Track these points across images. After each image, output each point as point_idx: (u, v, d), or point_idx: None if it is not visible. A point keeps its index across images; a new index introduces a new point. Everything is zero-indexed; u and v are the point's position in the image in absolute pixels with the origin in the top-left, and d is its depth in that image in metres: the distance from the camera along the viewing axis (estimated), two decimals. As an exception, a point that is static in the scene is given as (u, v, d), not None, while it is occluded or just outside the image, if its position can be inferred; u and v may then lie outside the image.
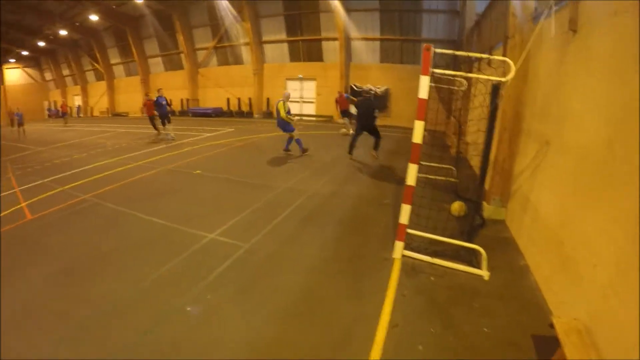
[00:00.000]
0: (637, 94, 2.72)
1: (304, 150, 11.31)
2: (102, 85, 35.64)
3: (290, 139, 11.24)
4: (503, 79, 4.12)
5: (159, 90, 15.16)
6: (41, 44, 33.75)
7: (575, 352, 2.62)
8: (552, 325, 2.93)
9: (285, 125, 10.95)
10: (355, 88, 22.09)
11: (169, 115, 15.32)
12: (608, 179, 3.03)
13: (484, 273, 4.31)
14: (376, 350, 3.14)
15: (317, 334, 3.36)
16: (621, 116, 2.93)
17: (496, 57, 4.37)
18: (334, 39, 22.30)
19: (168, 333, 3.35)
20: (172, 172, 9.30)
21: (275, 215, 6.07)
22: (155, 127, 16.04)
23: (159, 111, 14.99)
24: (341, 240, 5.29)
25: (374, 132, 10.41)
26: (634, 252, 2.56)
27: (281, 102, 10.76)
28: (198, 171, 9.16)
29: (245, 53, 26.08)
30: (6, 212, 6.70)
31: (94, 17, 26.16)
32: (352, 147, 10.74)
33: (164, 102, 14.86)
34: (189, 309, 3.67)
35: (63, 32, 29.27)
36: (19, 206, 7.07)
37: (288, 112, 10.87)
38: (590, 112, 3.48)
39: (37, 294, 4.01)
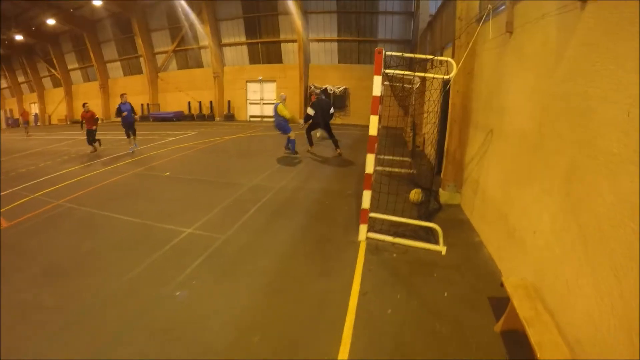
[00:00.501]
0: (557, 83, 3.26)
1: (294, 151, 11.62)
2: (60, 91, 33.97)
3: (290, 139, 11.44)
4: (446, 77, 4.62)
5: (122, 96, 13.01)
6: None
7: (522, 302, 3.08)
8: (502, 285, 3.40)
9: (284, 126, 11.10)
10: (314, 88, 22.53)
11: (134, 125, 13.14)
12: (539, 156, 3.57)
13: (441, 248, 4.80)
14: (350, 314, 3.51)
15: (295, 306, 3.70)
16: (547, 103, 3.47)
17: (441, 58, 4.86)
18: (293, 41, 22.75)
19: (160, 315, 3.56)
20: (140, 175, 9.28)
21: (246, 210, 6.33)
22: (91, 142, 13.76)
23: (123, 120, 12.89)
24: (309, 228, 5.66)
25: (330, 130, 11.20)
26: (563, 217, 3.06)
27: (280, 104, 10.94)
28: (167, 173, 9.21)
29: (205, 56, 25.98)
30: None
31: (50, 21, 25.10)
32: (310, 141, 11.62)
33: (129, 109, 12.84)
34: (177, 293, 3.88)
35: (18, 37, 27.84)
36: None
37: None
38: (524, 102, 4.04)
39: (25, 294, 4.02)
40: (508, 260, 4.17)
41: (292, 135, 11.34)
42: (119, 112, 12.74)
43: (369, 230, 5.15)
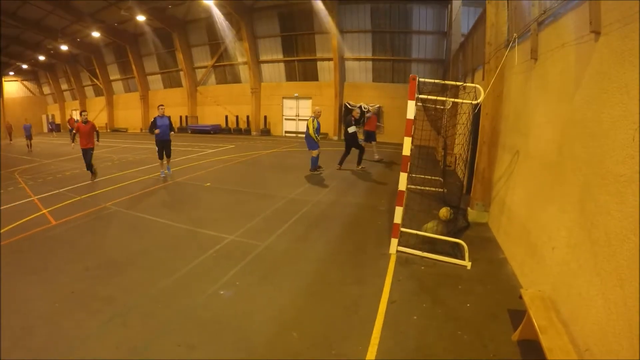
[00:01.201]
0: (575, 109, 3.51)
1: (315, 169, 11.39)
2: (101, 100, 36.20)
3: (312, 157, 11.26)
4: (474, 102, 4.92)
5: (159, 108, 10.91)
6: (41, 58, 34.18)
7: (538, 312, 3.29)
8: (520, 297, 3.61)
9: (310, 141, 11.04)
10: (349, 106, 23.01)
11: (170, 145, 10.89)
12: (558, 177, 3.80)
13: (467, 263, 5.01)
14: (379, 318, 3.83)
15: (330, 307, 4.06)
16: (566, 126, 3.72)
17: (468, 85, 5.19)
18: (329, 59, 23.33)
19: (206, 310, 3.99)
20: (182, 184, 9.92)
21: (285, 220, 6.78)
22: (89, 167, 10.59)
23: (157, 137, 10.47)
24: (344, 239, 6.03)
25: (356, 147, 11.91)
26: (578, 234, 3.28)
27: (311, 118, 11.01)
28: (208, 184, 9.80)
29: (243, 72, 26.99)
30: (27, 219, 7.17)
31: (95, 34, 26.82)
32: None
33: (167, 124, 10.72)
34: (221, 292, 4.32)
35: (64, 47, 29.78)
36: (40, 212, 7.58)
37: (317, 131, 10.93)
38: (547, 125, 4.28)
39: (81, 284, 4.54)
40: (529, 275, 4.35)
41: (314, 153, 11.09)
42: (153, 126, 10.49)
43: (399, 244, 5.43)
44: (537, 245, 4.19)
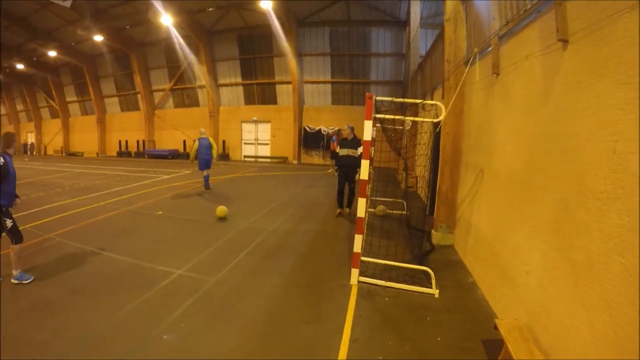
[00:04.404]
0: (543, 122, 3.31)
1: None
2: (57, 123, 34.06)
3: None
4: (435, 120, 4.70)
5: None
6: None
7: (517, 346, 2.96)
8: (496, 327, 3.28)
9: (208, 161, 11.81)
10: (309, 130, 22.87)
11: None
12: (528, 194, 3.57)
13: (434, 291, 4.66)
14: (341, 360, 3.33)
15: (284, 351, 3.51)
16: (533, 141, 3.51)
17: (428, 102, 4.98)
18: (288, 82, 23.21)
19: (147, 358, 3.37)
20: (134, 212, 9.11)
21: (237, 252, 6.16)
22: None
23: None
24: (301, 270, 5.50)
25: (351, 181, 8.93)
26: (554, 256, 3.01)
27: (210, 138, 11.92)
28: (160, 212, 9.06)
29: (202, 95, 26.40)
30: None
31: (52, 53, 25.48)
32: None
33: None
34: (165, 337, 3.68)
35: (19, 66, 28.10)
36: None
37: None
38: (512, 141, 4.09)
39: (12, 326, 3.82)
40: (501, 301, 4.06)
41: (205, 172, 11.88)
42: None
43: (360, 274, 5.01)
44: (508, 268, 3.91)
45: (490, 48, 4.62)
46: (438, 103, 4.64)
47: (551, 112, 3.20)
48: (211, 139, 11.85)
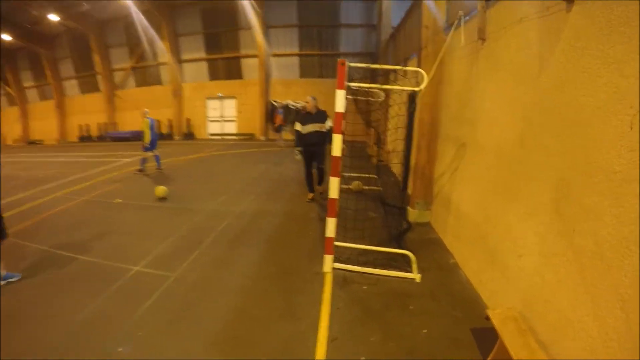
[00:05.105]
0: (541, 92, 2.97)
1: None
2: (15, 110, 31.22)
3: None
4: (417, 89, 4.28)
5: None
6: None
7: (513, 339, 2.70)
8: (488, 318, 3.01)
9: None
10: (276, 104, 22.12)
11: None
12: (522, 171, 3.26)
13: (415, 276, 4.37)
14: (319, 365, 2.98)
15: (255, 356, 3.12)
16: (529, 113, 3.17)
17: (410, 69, 4.56)
18: (254, 56, 22.18)
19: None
20: (91, 202, 8.30)
21: (201, 240, 5.66)
22: None
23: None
24: (270, 258, 5.07)
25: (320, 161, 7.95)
26: (553, 240, 2.73)
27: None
28: (118, 200, 8.31)
29: (164, 73, 24.85)
30: None
31: (5, 37, 23.16)
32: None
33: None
34: (120, 349, 3.19)
35: None
36: None
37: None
38: (502, 112, 3.75)
39: None
40: (489, 285, 3.82)
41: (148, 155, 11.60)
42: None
43: (335, 260, 4.64)
44: (498, 251, 3.65)
45: (475, 12, 4.21)
46: (420, 70, 4.23)
47: (551, 82, 2.85)
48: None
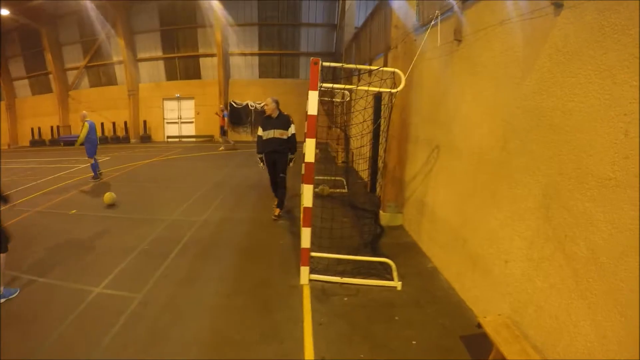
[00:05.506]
0: (525, 96, 2.94)
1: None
2: None
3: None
4: (394, 90, 4.19)
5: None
6: None
7: (509, 346, 2.66)
8: (479, 325, 2.95)
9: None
10: (235, 105, 21.58)
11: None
12: (506, 177, 3.22)
13: (396, 284, 4.26)
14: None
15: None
16: (512, 117, 3.14)
17: (387, 69, 4.46)
18: (212, 55, 21.53)
19: None
20: (44, 214, 7.55)
21: (165, 254, 5.25)
22: None
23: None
24: (242, 272, 4.79)
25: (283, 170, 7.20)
26: (543, 245, 2.70)
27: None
28: (73, 211, 7.63)
29: (119, 72, 23.45)
30: None
31: None
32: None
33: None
34: None
35: None
36: None
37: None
38: (481, 115, 3.70)
39: None
40: (472, 290, 3.78)
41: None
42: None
43: (311, 271, 4.44)
44: (479, 255, 3.61)
45: (450, 12, 4.16)
46: (397, 71, 4.13)
47: (535, 86, 2.82)
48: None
